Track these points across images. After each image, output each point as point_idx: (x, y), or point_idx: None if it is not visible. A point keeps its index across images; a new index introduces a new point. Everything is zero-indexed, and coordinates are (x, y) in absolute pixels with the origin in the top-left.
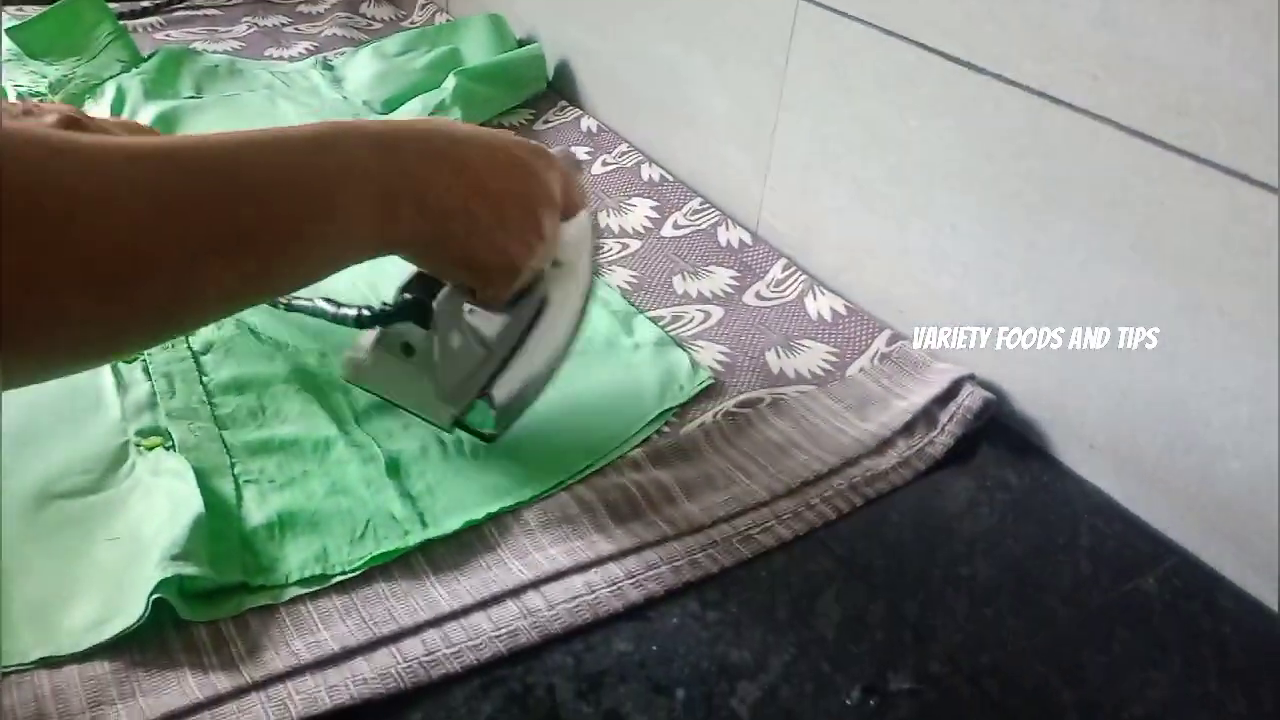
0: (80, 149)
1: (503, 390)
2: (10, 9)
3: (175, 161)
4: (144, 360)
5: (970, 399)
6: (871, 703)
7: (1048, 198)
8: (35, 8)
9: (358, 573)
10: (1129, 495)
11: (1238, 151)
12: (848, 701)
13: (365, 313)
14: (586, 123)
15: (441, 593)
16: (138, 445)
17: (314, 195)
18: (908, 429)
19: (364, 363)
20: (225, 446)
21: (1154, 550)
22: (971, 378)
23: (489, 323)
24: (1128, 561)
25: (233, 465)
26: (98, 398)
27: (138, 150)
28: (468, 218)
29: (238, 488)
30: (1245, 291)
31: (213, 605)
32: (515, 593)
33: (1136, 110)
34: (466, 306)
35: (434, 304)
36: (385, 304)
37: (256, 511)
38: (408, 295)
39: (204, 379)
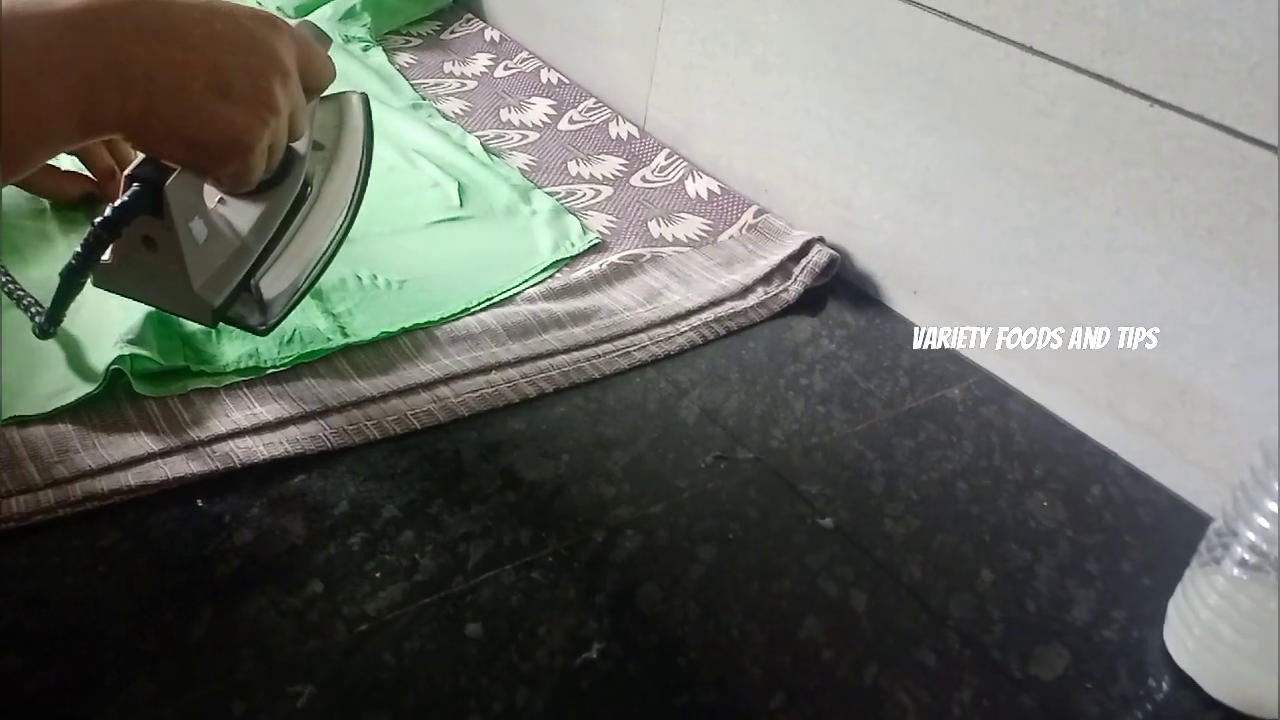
0: None
1: (270, 282)
2: None
3: None
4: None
5: (819, 255)
6: (722, 465)
7: (881, 81)
8: None
9: (287, 367)
10: (944, 329)
11: (1026, 28)
12: (702, 464)
13: (102, 219)
14: (490, 33)
15: (363, 384)
16: None
17: (9, 95)
18: (766, 279)
19: (108, 265)
20: None
21: (961, 370)
22: (821, 240)
23: (242, 212)
24: (938, 378)
25: None
26: (48, 238)
27: None
28: (179, 92)
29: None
30: (1034, 148)
31: (161, 384)
32: (427, 386)
33: None
34: (215, 195)
35: (165, 190)
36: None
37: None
38: (135, 183)
39: None
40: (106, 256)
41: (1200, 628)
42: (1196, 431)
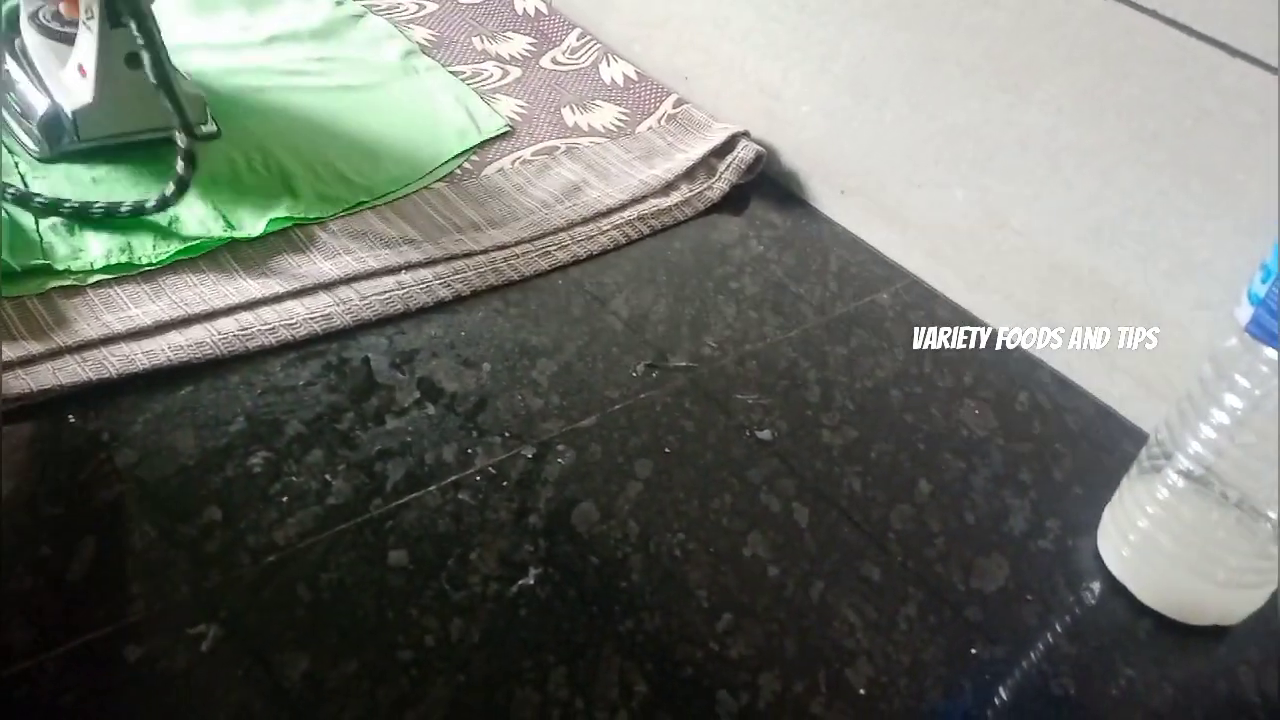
0: None
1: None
2: None
3: None
4: None
5: (745, 151)
6: (653, 375)
7: None
8: None
9: (164, 264)
10: (871, 231)
11: None
12: (633, 374)
13: (87, 24)
14: None
15: (252, 284)
16: None
17: None
18: (689, 175)
19: (90, 107)
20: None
21: (888, 274)
22: (746, 134)
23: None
24: (866, 282)
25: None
26: None
27: None
28: None
29: (24, 182)
30: (976, 41)
31: (15, 283)
32: (327, 286)
33: None
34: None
35: None
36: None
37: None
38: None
39: None
40: (87, 98)
41: (1137, 536)
42: (1125, 339)
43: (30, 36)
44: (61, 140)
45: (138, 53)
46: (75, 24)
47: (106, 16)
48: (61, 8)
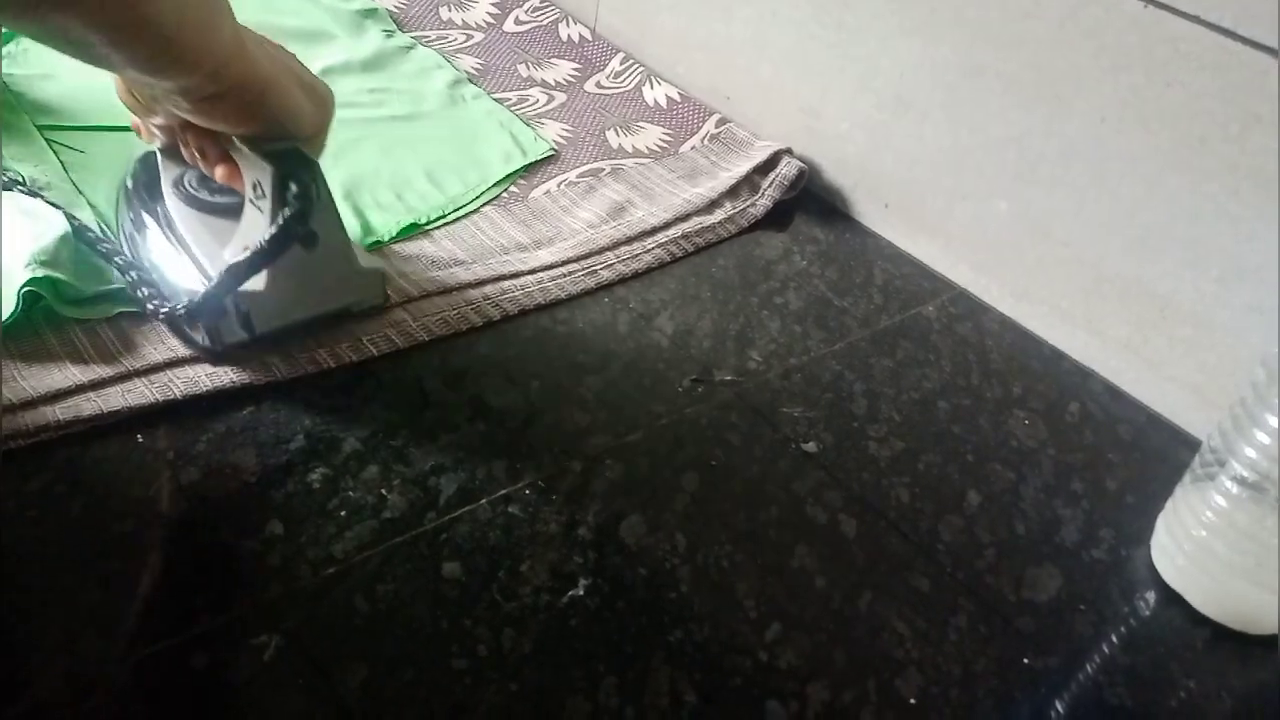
0: None
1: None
2: None
3: None
4: None
5: (787, 168)
6: (699, 389)
7: None
8: None
9: None
10: (915, 244)
11: None
12: (679, 389)
13: (292, 214)
14: None
15: None
16: None
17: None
18: (733, 192)
19: (263, 297)
20: (75, 186)
21: (933, 286)
22: (789, 151)
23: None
24: (912, 295)
25: (92, 206)
26: None
27: None
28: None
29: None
30: (1017, 53)
31: (86, 307)
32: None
33: None
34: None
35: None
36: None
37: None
38: (291, 182)
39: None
40: (261, 289)
41: (1192, 544)
42: (1176, 347)
43: (175, 206)
44: (229, 333)
45: (314, 232)
46: (225, 192)
47: (279, 196)
48: (217, 173)
